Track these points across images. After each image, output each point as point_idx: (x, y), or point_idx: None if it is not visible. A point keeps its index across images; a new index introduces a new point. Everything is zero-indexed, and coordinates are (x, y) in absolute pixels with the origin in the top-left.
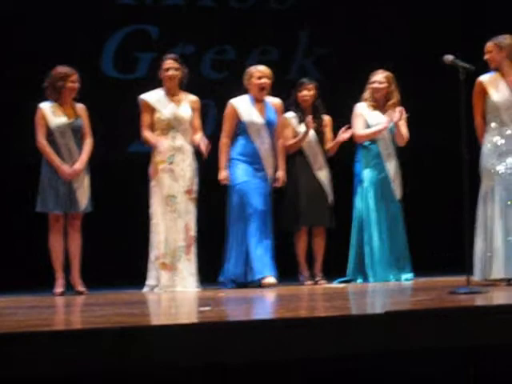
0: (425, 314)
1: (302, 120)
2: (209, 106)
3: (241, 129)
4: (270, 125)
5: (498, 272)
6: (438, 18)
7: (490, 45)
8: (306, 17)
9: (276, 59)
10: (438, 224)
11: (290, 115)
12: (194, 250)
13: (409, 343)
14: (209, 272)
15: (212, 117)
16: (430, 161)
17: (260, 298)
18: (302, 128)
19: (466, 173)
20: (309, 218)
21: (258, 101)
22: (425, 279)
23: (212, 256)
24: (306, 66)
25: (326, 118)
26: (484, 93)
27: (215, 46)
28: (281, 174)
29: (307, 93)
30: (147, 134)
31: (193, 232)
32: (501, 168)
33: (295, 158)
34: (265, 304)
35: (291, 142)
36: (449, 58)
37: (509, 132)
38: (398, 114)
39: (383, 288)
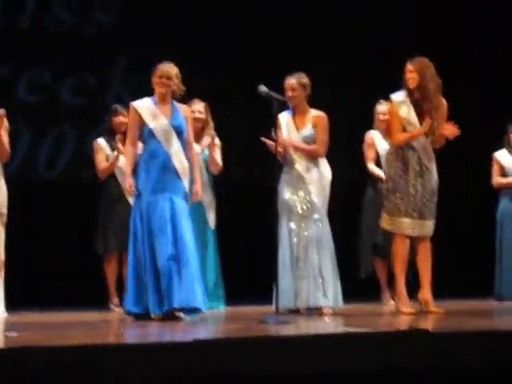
0: (231, 342)
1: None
2: (22, 131)
3: (146, 134)
4: (179, 130)
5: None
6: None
7: (294, 83)
8: (124, 42)
9: (92, 84)
10: (251, 253)
11: (103, 141)
12: (2, 274)
13: (216, 371)
14: (16, 297)
15: (25, 142)
16: (247, 190)
17: (70, 323)
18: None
19: (276, 205)
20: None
21: (164, 102)
22: (237, 308)
23: (19, 280)
24: (122, 92)
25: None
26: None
27: (31, 70)
28: (197, 186)
29: (123, 119)
30: None
31: (2, 256)
32: (292, 198)
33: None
34: (73, 329)
35: (104, 165)
36: (263, 89)
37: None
38: (207, 139)
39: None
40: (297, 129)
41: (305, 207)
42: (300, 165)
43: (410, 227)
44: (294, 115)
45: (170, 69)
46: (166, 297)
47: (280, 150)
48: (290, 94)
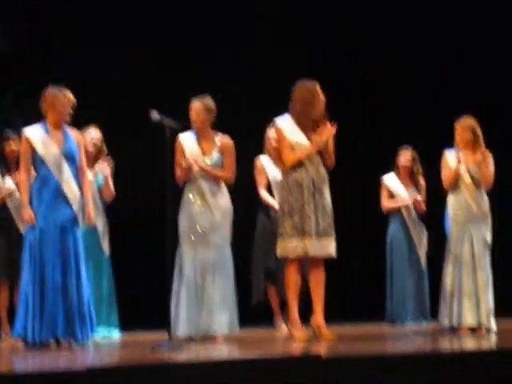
0: (125, 369)
1: (6, 172)
2: None
3: (37, 161)
4: (70, 157)
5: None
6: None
7: (198, 106)
8: (18, 67)
9: None
10: (147, 279)
11: None
12: None
13: None
14: None
15: None
16: (143, 216)
17: None
18: (7, 181)
19: (170, 229)
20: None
21: (57, 129)
22: (131, 334)
23: None
24: (13, 116)
25: None
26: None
27: None
28: (89, 209)
29: (15, 147)
30: None
31: None
32: (194, 225)
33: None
34: None
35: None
36: (155, 115)
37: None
38: (107, 169)
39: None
40: (203, 154)
41: (207, 233)
42: (204, 190)
43: (309, 247)
44: (198, 140)
45: (72, 97)
46: (50, 325)
47: (185, 168)
48: (194, 117)
